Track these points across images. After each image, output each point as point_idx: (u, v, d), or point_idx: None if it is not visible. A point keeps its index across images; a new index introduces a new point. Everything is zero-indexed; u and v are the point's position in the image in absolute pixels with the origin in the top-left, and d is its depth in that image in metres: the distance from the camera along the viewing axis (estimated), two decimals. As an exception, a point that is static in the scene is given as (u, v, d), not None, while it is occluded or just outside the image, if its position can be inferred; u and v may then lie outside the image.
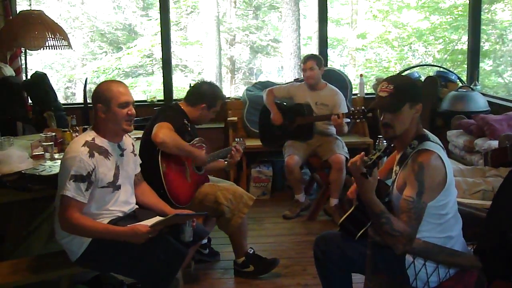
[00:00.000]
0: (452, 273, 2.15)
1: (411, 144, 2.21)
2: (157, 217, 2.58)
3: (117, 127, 2.54)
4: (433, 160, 2.11)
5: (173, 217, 2.53)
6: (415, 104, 2.21)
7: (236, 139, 3.68)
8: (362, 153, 2.11)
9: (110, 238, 2.44)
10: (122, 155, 2.63)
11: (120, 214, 2.59)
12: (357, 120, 4.16)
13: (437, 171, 2.11)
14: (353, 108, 4.36)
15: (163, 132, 2.97)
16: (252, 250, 3.44)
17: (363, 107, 4.09)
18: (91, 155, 2.43)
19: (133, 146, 2.80)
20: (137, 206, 2.75)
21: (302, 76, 4.59)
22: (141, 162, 2.88)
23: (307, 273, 3.44)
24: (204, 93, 3.33)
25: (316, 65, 4.42)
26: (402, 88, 2.20)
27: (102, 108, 2.50)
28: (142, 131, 3.33)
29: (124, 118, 2.52)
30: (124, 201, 2.62)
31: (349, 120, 4.22)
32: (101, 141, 2.52)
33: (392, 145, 2.31)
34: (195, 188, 3.26)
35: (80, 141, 2.47)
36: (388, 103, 2.20)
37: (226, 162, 3.49)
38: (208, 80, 3.55)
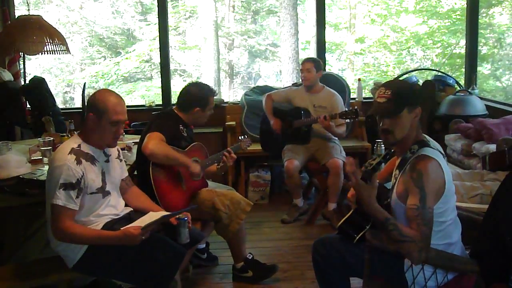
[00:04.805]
0: (450, 278, 2.15)
1: (411, 148, 2.20)
2: (150, 212, 2.57)
3: (102, 140, 2.54)
4: (431, 166, 2.10)
5: (163, 217, 2.53)
6: (413, 108, 2.21)
7: (240, 137, 3.64)
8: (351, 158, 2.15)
9: (104, 244, 2.43)
10: (107, 161, 2.63)
11: (113, 217, 2.59)
12: (350, 120, 4.17)
13: (435, 177, 2.10)
14: (346, 109, 4.36)
15: (152, 143, 2.95)
16: (251, 256, 3.43)
17: (356, 107, 4.10)
18: (79, 162, 2.41)
19: (118, 151, 2.80)
20: (131, 209, 2.75)
21: (300, 78, 4.61)
22: (128, 167, 2.88)
23: (306, 277, 3.43)
24: (193, 96, 3.28)
25: (313, 68, 4.43)
26: (400, 93, 2.19)
27: (93, 118, 2.48)
28: (140, 136, 3.32)
29: (111, 135, 2.52)
30: (114, 205, 2.62)
31: (348, 120, 4.24)
32: (87, 148, 2.51)
33: (392, 150, 2.31)
34: (190, 195, 3.24)
35: (66, 149, 2.45)
36: (386, 109, 2.19)
37: (218, 167, 3.44)
38: (194, 81, 3.48)
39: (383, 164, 2.25)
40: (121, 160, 2.79)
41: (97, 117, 2.46)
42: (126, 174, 2.85)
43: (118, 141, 2.70)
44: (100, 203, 2.54)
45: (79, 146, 2.48)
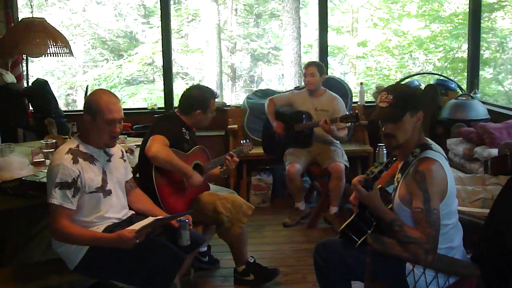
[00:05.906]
0: (451, 282, 2.15)
1: (413, 152, 2.21)
2: (150, 217, 2.57)
3: (100, 140, 2.55)
4: (434, 168, 2.11)
5: (156, 221, 2.53)
6: (415, 113, 2.22)
7: (242, 141, 3.66)
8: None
9: (98, 245, 2.44)
10: (109, 160, 2.64)
11: (116, 221, 2.59)
12: (351, 124, 4.17)
13: (438, 178, 2.11)
14: (347, 112, 4.37)
15: (156, 147, 2.95)
16: (253, 259, 3.43)
17: (356, 111, 4.10)
18: (75, 162, 2.43)
19: (122, 152, 2.81)
20: (133, 212, 2.75)
21: (303, 82, 4.61)
22: (132, 169, 2.89)
23: (307, 281, 3.43)
24: (195, 99, 3.29)
25: (317, 72, 4.44)
26: (402, 98, 2.20)
27: (88, 119, 2.50)
28: (142, 139, 3.32)
29: (107, 134, 2.52)
30: (117, 206, 2.63)
31: (349, 124, 4.24)
32: (85, 148, 2.53)
33: (394, 158, 2.32)
34: (192, 198, 3.25)
35: (64, 149, 2.48)
36: (389, 114, 2.20)
37: (221, 170, 3.45)
38: (195, 84, 3.50)
39: (384, 172, 2.27)
40: (125, 161, 2.79)
41: (92, 118, 2.48)
42: (131, 175, 2.86)
43: (121, 143, 2.71)
44: (102, 204, 2.54)
45: (77, 146, 2.51)
